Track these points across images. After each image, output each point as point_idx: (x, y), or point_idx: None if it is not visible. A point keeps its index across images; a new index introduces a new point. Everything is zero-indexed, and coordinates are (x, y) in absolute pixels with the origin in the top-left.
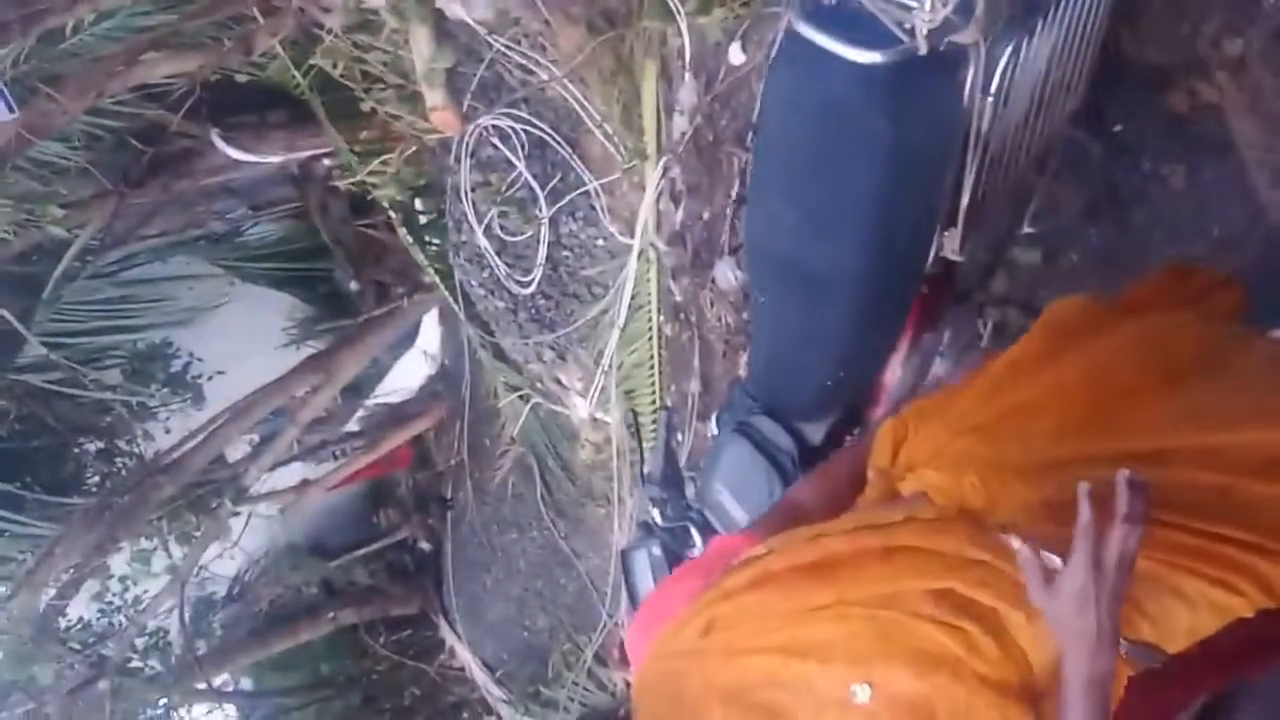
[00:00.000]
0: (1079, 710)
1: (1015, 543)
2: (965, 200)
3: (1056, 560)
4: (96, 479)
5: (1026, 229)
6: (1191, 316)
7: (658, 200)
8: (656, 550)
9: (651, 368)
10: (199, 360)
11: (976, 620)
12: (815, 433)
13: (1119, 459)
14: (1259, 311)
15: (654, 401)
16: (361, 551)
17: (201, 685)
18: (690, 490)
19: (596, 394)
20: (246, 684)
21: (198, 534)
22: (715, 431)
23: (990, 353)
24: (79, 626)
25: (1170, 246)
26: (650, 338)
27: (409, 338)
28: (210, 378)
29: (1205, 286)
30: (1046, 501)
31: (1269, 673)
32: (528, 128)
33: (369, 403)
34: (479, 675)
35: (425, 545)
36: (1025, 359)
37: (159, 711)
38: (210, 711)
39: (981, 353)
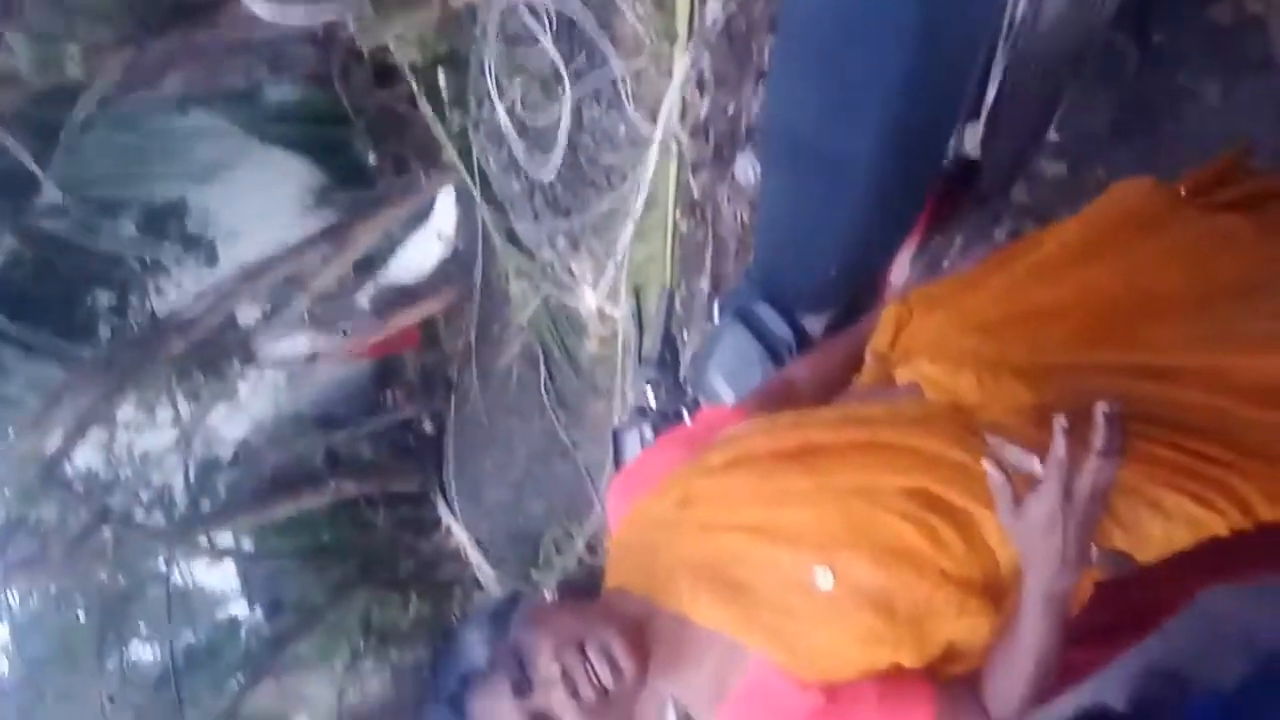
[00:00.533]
0: (1036, 620)
1: (987, 465)
2: (991, 93)
3: (1038, 466)
4: (107, 331)
5: (1053, 136)
6: (1249, 228)
7: (684, 89)
8: (649, 432)
9: (664, 263)
10: (214, 220)
11: (946, 517)
12: (814, 325)
13: (1126, 371)
14: None
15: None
16: (366, 427)
17: (203, 542)
18: (686, 373)
19: (607, 287)
20: (247, 545)
21: (205, 394)
22: (717, 319)
23: (1013, 243)
24: (84, 474)
25: (1199, 163)
26: (665, 232)
27: (423, 217)
28: (224, 239)
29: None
30: (1042, 405)
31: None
32: (558, 3)
33: (380, 280)
34: (473, 555)
35: (428, 426)
36: (1055, 259)
37: (159, 563)
38: (210, 568)
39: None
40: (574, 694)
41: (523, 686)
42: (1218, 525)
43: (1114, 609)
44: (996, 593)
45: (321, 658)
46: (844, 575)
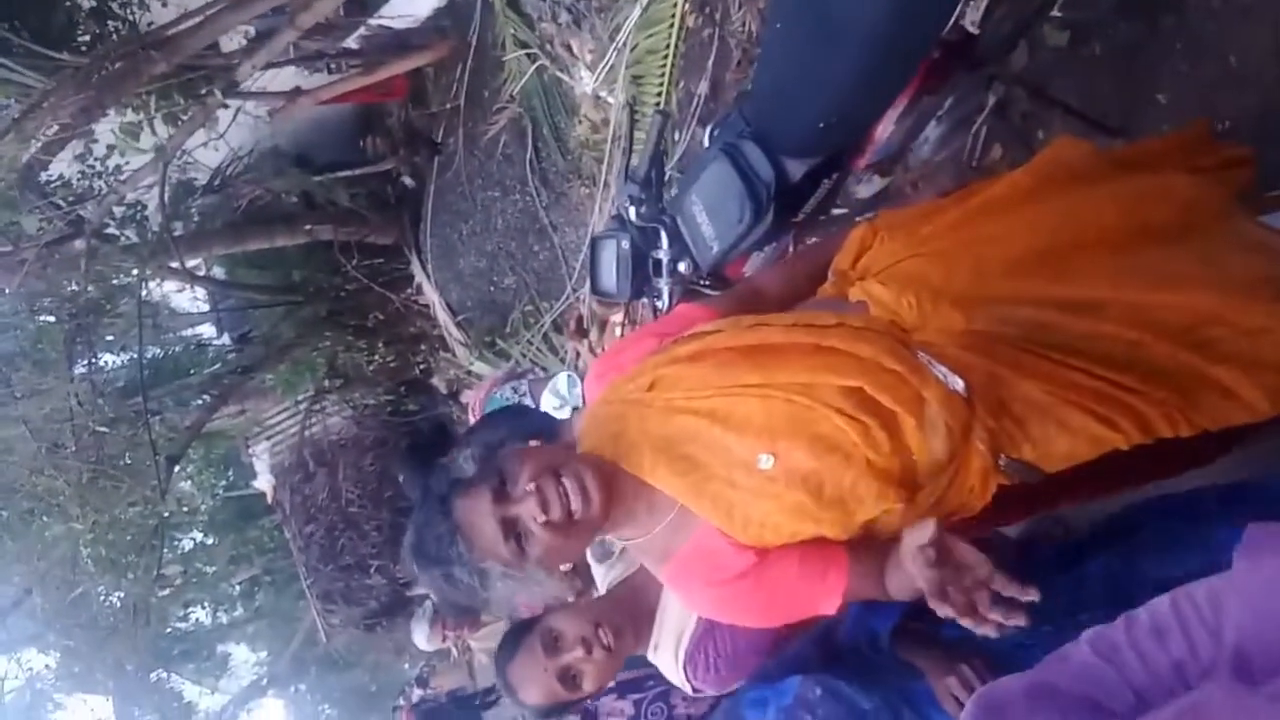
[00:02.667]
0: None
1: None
2: None
3: (960, 383)
4: (88, 38)
5: (1057, 12)
6: (1186, 182)
7: None
8: (625, 244)
9: (665, 58)
10: None
11: (876, 417)
12: (796, 170)
13: (1054, 304)
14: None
15: (660, 92)
16: (345, 173)
17: (175, 264)
18: (668, 196)
19: (605, 70)
20: (219, 273)
21: (185, 117)
22: (707, 143)
23: (977, 180)
24: (60, 183)
25: (1185, 61)
26: (671, 25)
27: None
28: None
29: (1224, 160)
30: (973, 331)
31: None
32: None
33: (372, 21)
34: (442, 315)
35: (408, 181)
36: (1005, 197)
37: (132, 279)
38: (181, 290)
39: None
40: (544, 509)
41: (501, 496)
42: (1119, 442)
43: (1013, 507)
44: (911, 486)
45: (286, 390)
46: (783, 459)
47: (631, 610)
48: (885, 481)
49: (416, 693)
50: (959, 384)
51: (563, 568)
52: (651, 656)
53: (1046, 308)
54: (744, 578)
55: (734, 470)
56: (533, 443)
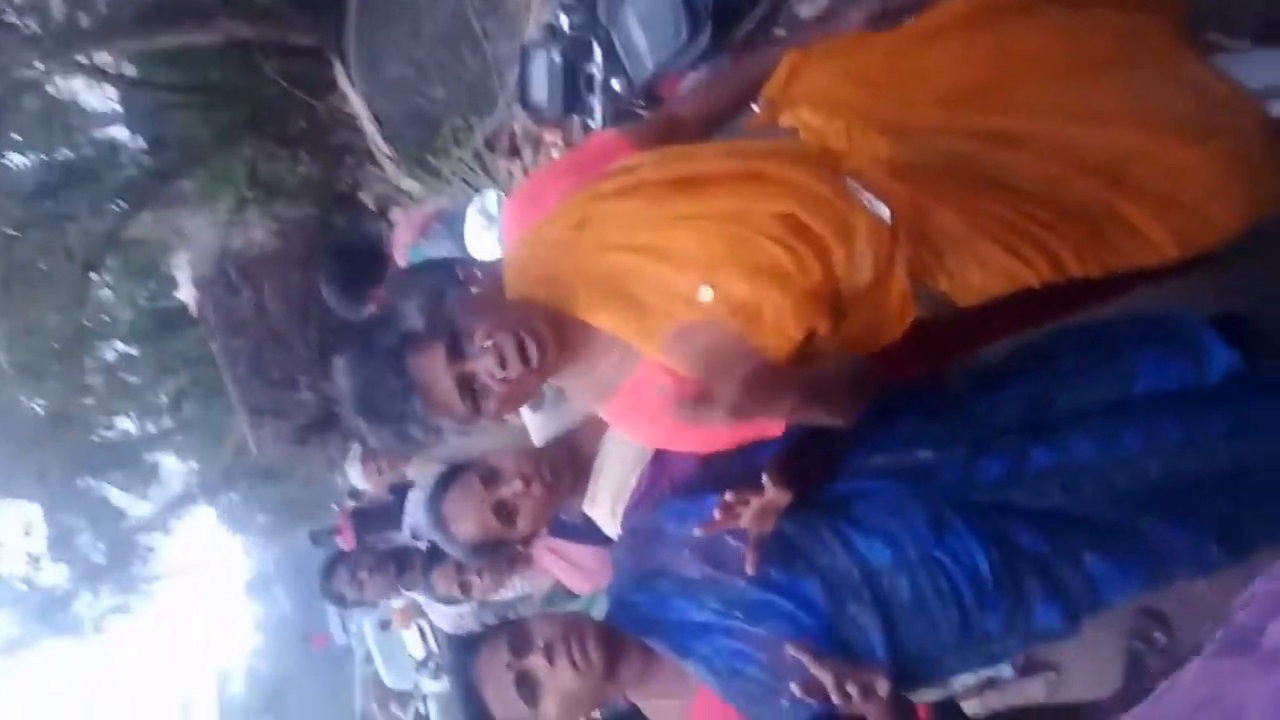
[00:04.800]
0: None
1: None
2: None
3: (885, 211)
4: None
5: None
6: (1122, 16)
7: None
8: (556, 57)
9: None
10: None
11: (807, 243)
12: None
13: (980, 135)
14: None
15: None
16: None
17: (81, 59)
18: (602, 6)
19: None
20: (129, 70)
21: None
22: None
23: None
24: None
25: None
26: None
27: None
28: None
29: None
30: (899, 160)
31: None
32: None
33: None
34: (368, 126)
35: None
36: (940, 25)
37: (35, 74)
38: (90, 88)
39: None
40: (501, 364)
41: (456, 352)
42: (1030, 279)
43: (927, 342)
44: (838, 312)
45: (205, 199)
46: (721, 289)
47: (569, 459)
48: (816, 308)
49: (350, 504)
50: (884, 212)
51: (509, 417)
52: (587, 509)
53: (973, 138)
54: None
55: (674, 304)
56: (473, 290)
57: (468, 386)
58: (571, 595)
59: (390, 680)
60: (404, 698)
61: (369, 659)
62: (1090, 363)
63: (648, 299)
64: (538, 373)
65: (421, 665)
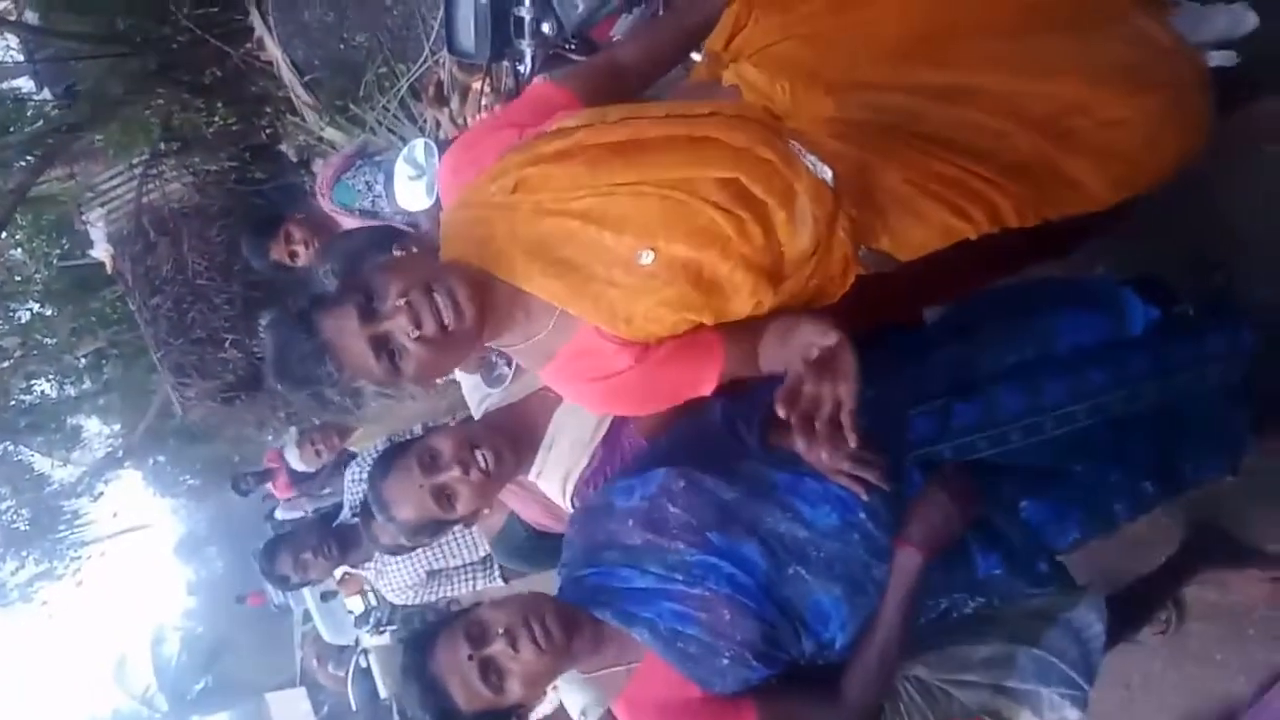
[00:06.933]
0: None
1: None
2: None
3: (828, 173)
4: None
5: None
6: None
7: None
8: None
9: None
10: None
11: (750, 210)
12: None
13: (927, 92)
14: None
15: None
16: None
17: None
18: None
19: None
20: (31, 17)
21: None
22: None
23: None
24: None
25: None
26: None
27: None
28: None
29: None
30: (844, 119)
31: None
32: None
33: None
34: (286, 74)
35: None
36: None
37: None
38: None
39: None
40: (417, 324)
41: (368, 313)
42: (968, 232)
43: (869, 295)
44: (779, 278)
45: (119, 152)
46: (663, 254)
47: (512, 435)
48: (758, 275)
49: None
50: (827, 173)
51: (438, 382)
52: (535, 481)
53: (918, 94)
54: (627, 371)
55: (613, 269)
56: (397, 253)
57: (383, 347)
58: (520, 537)
59: (329, 636)
60: (344, 653)
61: (307, 617)
62: (1009, 328)
63: (586, 264)
64: (458, 336)
65: (361, 619)
